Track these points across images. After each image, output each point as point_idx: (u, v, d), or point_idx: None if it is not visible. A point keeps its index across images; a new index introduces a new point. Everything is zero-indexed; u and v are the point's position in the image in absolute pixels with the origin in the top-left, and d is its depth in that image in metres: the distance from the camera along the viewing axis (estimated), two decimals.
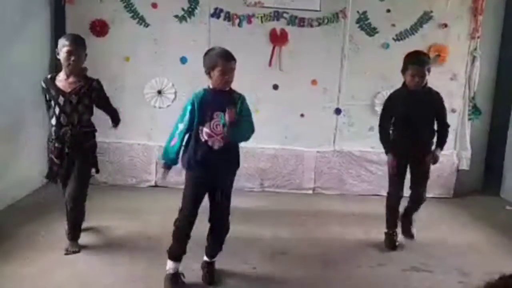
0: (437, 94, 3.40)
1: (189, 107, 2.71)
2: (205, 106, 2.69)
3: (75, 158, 3.04)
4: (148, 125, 4.68)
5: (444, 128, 3.46)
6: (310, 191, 4.85)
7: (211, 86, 2.73)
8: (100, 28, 4.50)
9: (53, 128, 3.02)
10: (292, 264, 3.16)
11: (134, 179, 4.72)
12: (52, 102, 3.00)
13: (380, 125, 3.51)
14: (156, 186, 4.72)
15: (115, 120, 3.32)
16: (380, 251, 3.39)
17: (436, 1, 4.66)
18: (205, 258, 2.93)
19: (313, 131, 4.78)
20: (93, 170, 3.25)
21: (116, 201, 4.19)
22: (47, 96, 3.04)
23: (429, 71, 3.28)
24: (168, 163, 2.82)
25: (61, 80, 3.00)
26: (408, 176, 3.53)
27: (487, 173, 5.10)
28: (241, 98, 2.77)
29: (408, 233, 3.55)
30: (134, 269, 2.93)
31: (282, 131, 4.68)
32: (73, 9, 4.46)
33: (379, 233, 3.67)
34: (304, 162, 4.82)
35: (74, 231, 3.16)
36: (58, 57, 2.99)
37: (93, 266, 2.96)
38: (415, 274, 3.09)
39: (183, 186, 4.76)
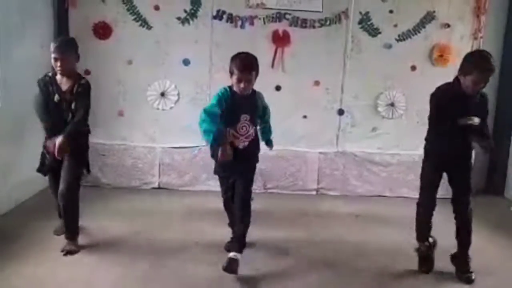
0: (486, 96, 3.05)
1: (217, 101, 2.84)
2: (232, 109, 2.87)
3: (67, 155, 3.04)
4: (151, 127, 4.69)
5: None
6: (314, 192, 4.85)
7: (234, 88, 2.89)
8: (103, 30, 4.51)
9: (50, 123, 3.08)
10: (295, 265, 3.15)
11: (138, 181, 4.73)
12: (49, 99, 3.07)
13: (439, 126, 2.99)
14: (159, 188, 4.73)
15: (71, 129, 3.01)
16: (383, 252, 3.38)
17: (439, 1, 4.65)
18: (229, 254, 2.92)
19: (316, 132, 4.78)
20: (84, 170, 3.28)
21: (120, 203, 4.20)
22: (45, 91, 3.08)
23: None
24: (219, 141, 2.81)
25: (59, 78, 3.10)
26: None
27: (491, 173, 5.09)
28: (261, 96, 3.07)
29: (464, 275, 3.06)
30: (136, 271, 2.93)
31: (285, 132, 4.68)
32: (76, 12, 4.48)
33: (381, 234, 3.67)
34: (307, 163, 4.82)
35: (70, 230, 3.17)
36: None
37: (95, 267, 2.96)
38: (419, 275, 3.08)
39: (186, 188, 4.82)
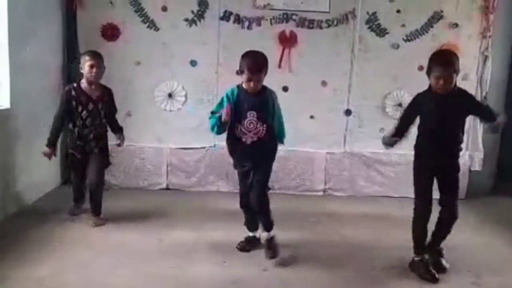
0: (466, 93, 3.03)
1: (225, 101, 3.03)
2: (240, 105, 3.01)
3: (96, 155, 3.61)
4: (159, 128, 4.71)
5: (490, 112, 3.05)
6: (321, 193, 4.85)
7: (243, 85, 3.03)
8: (111, 32, 4.54)
9: (76, 129, 3.56)
10: (302, 266, 3.15)
11: (146, 182, 4.75)
12: (80, 107, 3.52)
13: (398, 127, 3.11)
14: (167, 188, 4.75)
15: (113, 126, 3.81)
16: (391, 253, 3.37)
17: (446, 1, 4.63)
18: (263, 235, 3.27)
19: (323, 132, 4.77)
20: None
21: (128, 204, 4.21)
22: (75, 102, 3.52)
23: (456, 72, 2.89)
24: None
25: (87, 88, 3.56)
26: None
27: (500, 174, 5.05)
28: (273, 95, 3.15)
29: (438, 266, 3.09)
30: (144, 271, 2.94)
31: (292, 133, 4.64)
32: (84, 14, 4.51)
33: (390, 234, 3.66)
34: (315, 163, 4.81)
35: (98, 208, 3.65)
36: (81, 71, 3.57)
37: (103, 268, 2.96)
38: None
39: (194, 189, 4.82)
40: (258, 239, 3.36)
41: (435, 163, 3.03)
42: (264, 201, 3.16)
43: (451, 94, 2.92)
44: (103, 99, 3.61)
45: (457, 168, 3.09)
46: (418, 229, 3.07)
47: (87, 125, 3.57)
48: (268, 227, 3.21)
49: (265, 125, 3.05)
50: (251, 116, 3.01)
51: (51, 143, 3.54)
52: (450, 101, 2.92)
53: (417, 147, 3.10)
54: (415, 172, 3.09)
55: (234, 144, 3.12)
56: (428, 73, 2.95)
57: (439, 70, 2.85)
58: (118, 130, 3.82)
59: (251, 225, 3.34)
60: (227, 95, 3.06)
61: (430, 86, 2.99)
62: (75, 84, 3.58)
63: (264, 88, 3.09)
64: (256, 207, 3.16)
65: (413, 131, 3.11)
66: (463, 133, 3.08)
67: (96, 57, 3.54)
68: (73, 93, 3.53)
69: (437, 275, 2.98)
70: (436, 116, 2.95)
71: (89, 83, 3.55)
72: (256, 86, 2.99)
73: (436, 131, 2.95)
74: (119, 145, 3.83)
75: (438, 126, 2.95)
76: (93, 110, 3.56)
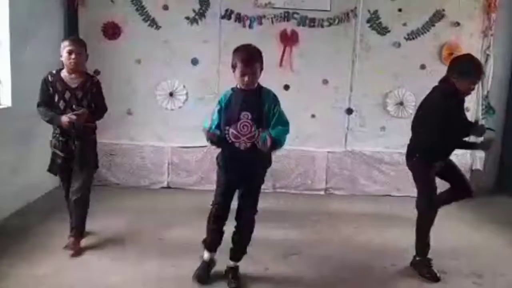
0: None
1: (217, 108, 2.73)
2: (232, 107, 2.69)
3: (79, 152, 3.11)
4: (160, 126, 4.71)
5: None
6: (322, 192, 4.84)
7: (238, 83, 2.71)
8: (112, 30, 4.54)
9: None
10: (304, 264, 3.15)
11: (147, 180, 4.75)
12: (56, 96, 3.08)
13: (454, 135, 3.01)
14: (168, 187, 4.75)
15: (95, 112, 3.17)
16: (392, 252, 3.37)
17: None
18: (230, 263, 2.90)
19: (324, 131, 4.77)
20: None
21: (129, 202, 4.22)
22: (51, 90, 3.09)
23: None
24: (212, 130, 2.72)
25: (66, 76, 3.11)
26: None
27: (502, 173, 5.04)
28: (271, 95, 2.74)
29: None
30: (146, 270, 2.94)
31: (293, 132, 4.61)
32: (85, 13, 4.51)
33: (390, 233, 3.65)
34: (316, 162, 4.81)
35: (78, 228, 3.17)
36: (61, 58, 3.11)
37: (104, 267, 2.97)
38: None
39: (195, 188, 4.81)
40: (215, 262, 2.95)
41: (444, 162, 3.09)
42: (253, 226, 2.86)
43: None
44: (84, 88, 3.10)
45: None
46: (428, 231, 3.07)
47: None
48: (241, 256, 2.91)
49: (260, 130, 2.66)
50: (245, 117, 2.65)
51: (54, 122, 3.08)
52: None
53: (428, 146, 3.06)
54: (424, 170, 3.06)
55: (224, 150, 2.76)
56: (465, 77, 2.93)
57: (476, 79, 3.01)
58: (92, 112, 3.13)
59: (215, 244, 2.91)
60: (219, 100, 2.74)
61: (455, 89, 2.95)
62: (54, 71, 3.13)
63: (261, 87, 2.74)
64: (245, 231, 2.85)
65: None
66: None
67: (76, 43, 3.13)
68: (50, 78, 3.09)
69: (438, 275, 3.00)
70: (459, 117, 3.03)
71: (69, 71, 3.09)
72: (251, 80, 2.62)
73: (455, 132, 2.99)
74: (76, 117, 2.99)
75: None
76: (71, 100, 3.06)
